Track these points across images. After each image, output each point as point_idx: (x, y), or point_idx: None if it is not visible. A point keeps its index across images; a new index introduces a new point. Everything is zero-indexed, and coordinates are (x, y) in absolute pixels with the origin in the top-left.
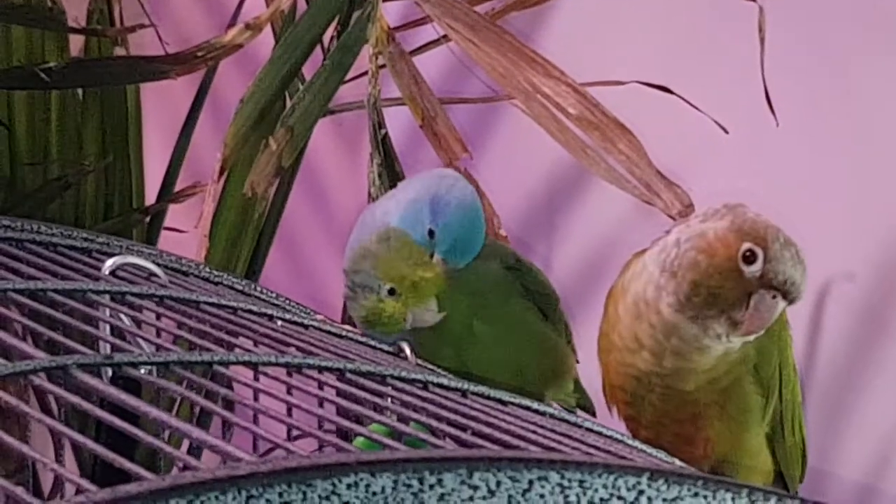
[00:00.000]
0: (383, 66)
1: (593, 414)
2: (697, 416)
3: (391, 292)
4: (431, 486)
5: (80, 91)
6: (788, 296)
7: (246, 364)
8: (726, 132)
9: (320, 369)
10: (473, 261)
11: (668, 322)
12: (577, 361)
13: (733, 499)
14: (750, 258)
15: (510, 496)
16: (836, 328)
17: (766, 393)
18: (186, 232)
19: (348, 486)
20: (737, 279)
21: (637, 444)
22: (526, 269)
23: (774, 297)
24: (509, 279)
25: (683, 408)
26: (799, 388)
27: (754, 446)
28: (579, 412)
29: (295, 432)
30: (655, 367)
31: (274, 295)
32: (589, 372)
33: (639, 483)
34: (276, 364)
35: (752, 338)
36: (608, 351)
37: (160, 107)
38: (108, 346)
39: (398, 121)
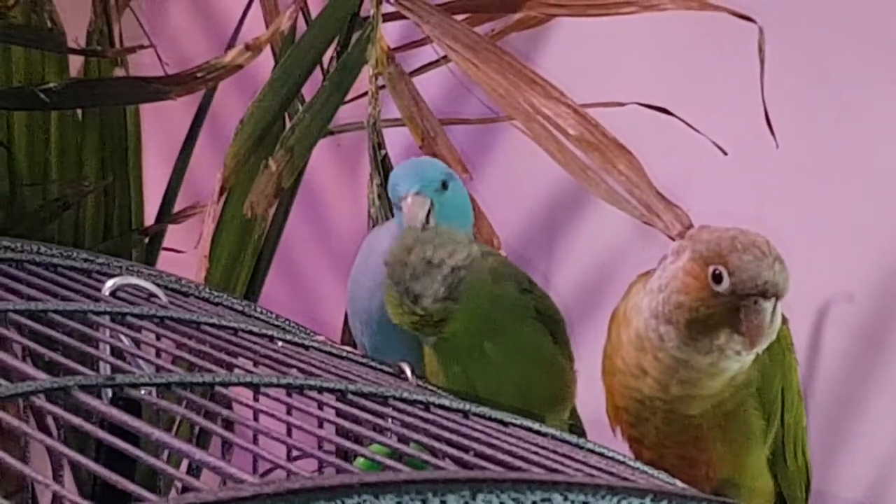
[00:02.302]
0: (383, 86)
1: (584, 437)
2: (700, 439)
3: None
4: None
5: (79, 112)
6: (767, 294)
7: (247, 385)
8: (725, 154)
9: (322, 390)
10: (488, 283)
11: (677, 358)
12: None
13: None
14: (718, 278)
15: None
16: (835, 349)
17: (768, 416)
18: (185, 252)
19: None
20: (720, 300)
21: (639, 465)
22: (539, 291)
23: (756, 301)
24: (523, 301)
25: (686, 431)
26: (803, 413)
27: (756, 468)
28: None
29: (295, 452)
30: (660, 394)
31: (274, 316)
32: (587, 392)
33: None
34: (278, 385)
35: (760, 350)
36: (612, 374)
37: (159, 127)
38: (108, 367)
39: (398, 141)
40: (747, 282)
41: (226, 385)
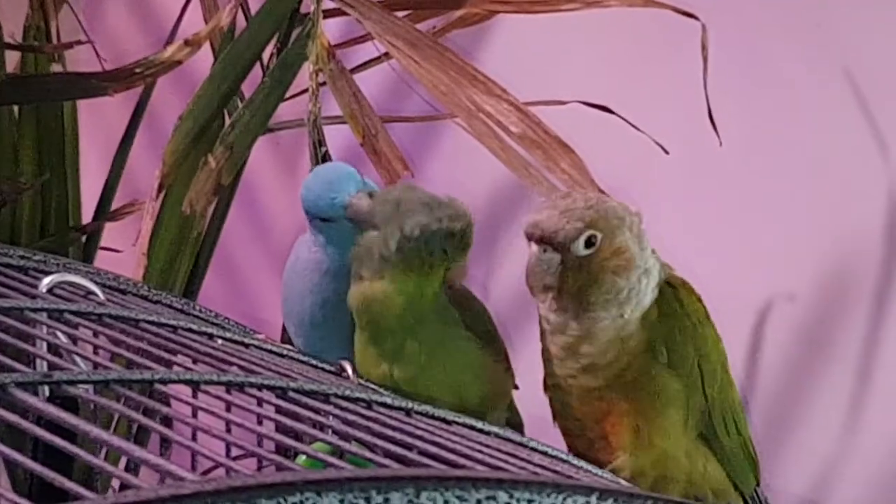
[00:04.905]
0: (324, 83)
1: (522, 430)
2: (609, 413)
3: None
4: None
5: (15, 108)
6: (534, 237)
7: (187, 382)
8: (666, 152)
9: (263, 388)
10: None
11: (555, 324)
12: (517, 387)
13: None
14: None
15: None
16: (776, 349)
17: (688, 391)
18: (122, 251)
19: None
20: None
21: (583, 464)
22: (466, 295)
23: (531, 245)
24: (450, 305)
25: (599, 405)
26: (733, 387)
27: (676, 439)
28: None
29: (236, 451)
30: (565, 370)
31: (213, 314)
32: (527, 394)
33: (588, 502)
34: (219, 382)
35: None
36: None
37: (97, 124)
38: (45, 364)
39: (338, 139)
40: (525, 223)
41: (165, 382)
